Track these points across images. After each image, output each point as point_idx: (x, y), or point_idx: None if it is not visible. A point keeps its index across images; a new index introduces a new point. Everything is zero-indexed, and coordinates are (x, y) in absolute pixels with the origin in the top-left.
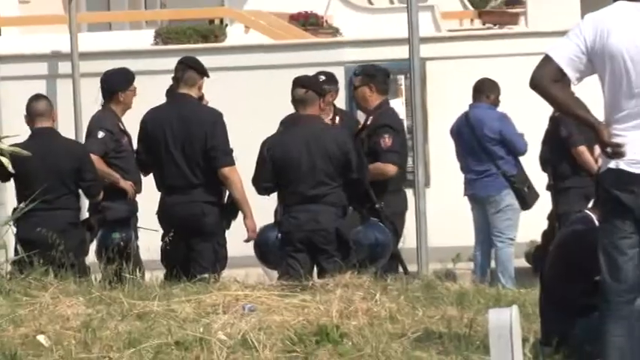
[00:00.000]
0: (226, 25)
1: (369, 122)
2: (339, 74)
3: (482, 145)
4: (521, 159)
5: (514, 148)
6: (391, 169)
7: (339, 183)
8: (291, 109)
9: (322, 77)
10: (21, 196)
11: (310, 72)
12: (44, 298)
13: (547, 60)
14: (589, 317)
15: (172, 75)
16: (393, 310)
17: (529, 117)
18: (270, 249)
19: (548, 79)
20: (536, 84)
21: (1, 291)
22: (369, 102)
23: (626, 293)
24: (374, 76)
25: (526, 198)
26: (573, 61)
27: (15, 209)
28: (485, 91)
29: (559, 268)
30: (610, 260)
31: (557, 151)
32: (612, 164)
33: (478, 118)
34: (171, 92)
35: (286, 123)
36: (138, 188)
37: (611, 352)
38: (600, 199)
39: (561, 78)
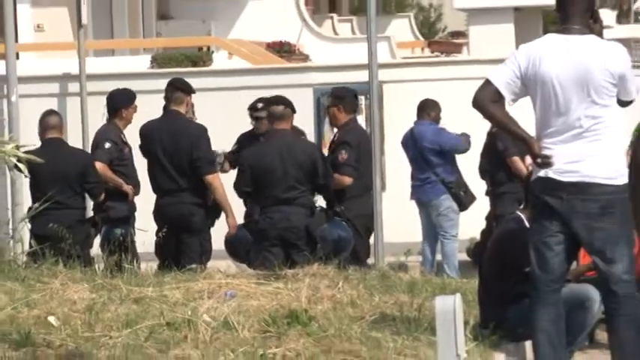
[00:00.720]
0: (212, 51)
1: (335, 138)
2: (309, 95)
3: (423, 156)
4: (463, 168)
5: (456, 150)
6: (346, 180)
7: (308, 187)
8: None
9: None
10: (35, 197)
11: (285, 92)
12: (54, 284)
13: (487, 83)
14: (521, 304)
15: (165, 95)
16: (354, 296)
17: (470, 132)
18: (238, 246)
19: (488, 100)
20: (477, 104)
21: (17, 278)
22: (338, 120)
23: (553, 283)
24: (343, 98)
25: (463, 201)
26: (509, 84)
27: (30, 208)
28: (427, 109)
29: (495, 262)
30: (539, 255)
31: (495, 161)
32: (542, 173)
33: (419, 133)
34: (166, 109)
35: (243, 140)
36: (137, 191)
37: (539, 334)
38: (531, 203)
39: (499, 99)
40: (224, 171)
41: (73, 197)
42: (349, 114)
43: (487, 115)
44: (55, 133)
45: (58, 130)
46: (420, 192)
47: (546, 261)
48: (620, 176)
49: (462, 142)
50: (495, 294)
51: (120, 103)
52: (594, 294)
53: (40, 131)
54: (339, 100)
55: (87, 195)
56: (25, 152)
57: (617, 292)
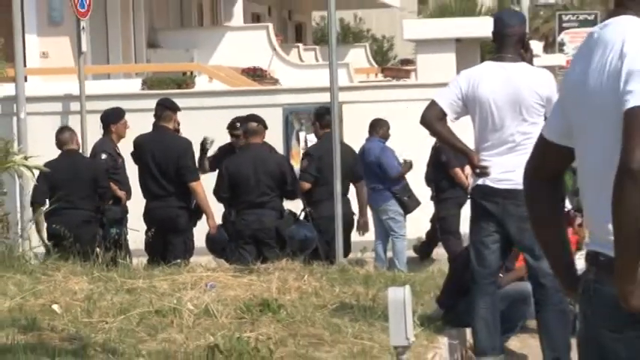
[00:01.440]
0: (195, 76)
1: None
2: (278, 114)
3: (371, 169)
4: (410, 176)
5: (386, 172)
6: (305, 185)
7: (277, 193)
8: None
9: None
10: (50, 200)
11: (257, 111)
12: (57, 277)
13: (433, 104)
14: (469, 296)
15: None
16: (317, 287)
17: (417, 146)
18: (217, 244)
19: (433, 118)
20: (424, 121)
21: (25, 272)
22: (317, 134)
23: (490, 276)
24: (321, 115)
25: (407, 205)
26: (452, 104)
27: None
28: (377, 127)
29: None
30: (478, 252)
31: (439, 171)
32: (480, 181)
33: (368, 149)
34: (155, 125)
35: (222, 150)
36: (129, 196)
37: (478, 320)
38: (471, 207)
39: (443, 117)
40: (204, 171)
41: (84, 199)
42: (324, 129)
43: (433, 131)
44: (70, 145)
45: (72, 143)
46: (372, 199)
47: (484, 257)
48: None
49: (397, 169)
50: (456, 286)
51: (109, 119)
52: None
53: (57, 144)
54: (315, 117)
55: (98, 198)
56: (47, 162)
57: (545, 284)
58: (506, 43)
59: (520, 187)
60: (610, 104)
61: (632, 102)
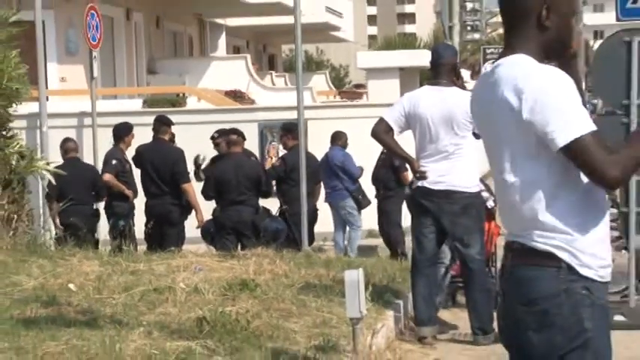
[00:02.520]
0: (186, 96)
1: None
2: (254, 128)
3: (333, 171)
4: (362, 178)
5: (351, 174)
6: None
7: (254, 193)
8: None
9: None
10: (58, 199)
11: (237, 126)
12: (73, 261)
13: (382, 120)
14: None
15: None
16: (286, 270)
17: (367, 154)
18: (208, 234)
19: (382, 131)
20: (374, 134)
21: (46, 257)
22: (287, 145)
23: (427, 261)
24: (290, 130)
25: (361, 202)
26: (397, 120)
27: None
28: (337, 138)
29: None
30: (418, 241)
31: (389, 173)
32: (420, 183)
33: (331, 155)
34: (154, 137)
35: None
36: (135, 195)
37: (417, 295)
38: (412, 205)
39: (390, 130)
40: (200, 180)
41: (86, 197)
42: (294, 140)
43: (381, 142)
44: (73, 154)
45: (75, 151)
46: (331, 197)
47: (423, 246)
48: (474, 186)
49: (357, 171)
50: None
51: (122, 132)
52: None
53: (62, 153)
54: (285, 131)
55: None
56: (55, 167)
57: (472, 268)
58: (441, 71)
59: (452, 188)
60: (510, 133)
61: (560, 140)
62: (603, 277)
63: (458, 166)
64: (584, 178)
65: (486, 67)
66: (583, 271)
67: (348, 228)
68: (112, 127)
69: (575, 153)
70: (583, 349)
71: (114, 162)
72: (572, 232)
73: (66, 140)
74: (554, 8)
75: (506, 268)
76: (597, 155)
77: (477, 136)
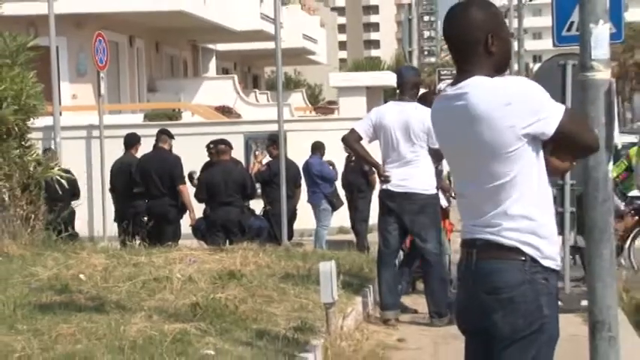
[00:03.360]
0: (181, 111)
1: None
2: (241, 139)
3: (311, 177)
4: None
5: (329, 178)
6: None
7: (240, 195)
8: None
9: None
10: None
11: (225, 137)
12: (83, 254)
13: (353, 130)
14: None
15: (155, 137)
16: (269, 262)
17: (338, 162)
18: (199, 231)
19: (353, 140)
20: (346, 142)
21: (59, 251)
22: (272, 154)
23: (391, 253)
24: (275, 141)
25: (335, 204)
26: (366, 131)
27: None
28: (316, 148)
29: None
30: (383, 237)
31: (360, 177)
32: (384, 186)
33: (311, 164)
34: (155, 146)
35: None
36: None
37: (383, 284)
38: (378, 205)
39: (360, 139)
40: (195, 185)
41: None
42: (278, 150)
43: (352, 149)
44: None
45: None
46: (312, 198)
47: (388, 241)
48: (431, 188)
49: (333, 175)
50: None
51: (132, 141)
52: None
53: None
54: (273, 142)
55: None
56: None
57: (429, 260)
58: (404, 89)
59: (412, 190)
60: (488, 140)
61: (552, 126)
62: (559, 266)
63: (416, 172)
64: (541, 176)
65: (441, 86)
66: (545, 263)
67: (315, 225)
68: (118, 138)
69: (566, 128)
70: (539, 333)
71: (133, 169)
72: (537, 224)
73: (47, 150)
74: (497, 35)
75: (470, 261)
76: (579, 123)
77: (431, 150)
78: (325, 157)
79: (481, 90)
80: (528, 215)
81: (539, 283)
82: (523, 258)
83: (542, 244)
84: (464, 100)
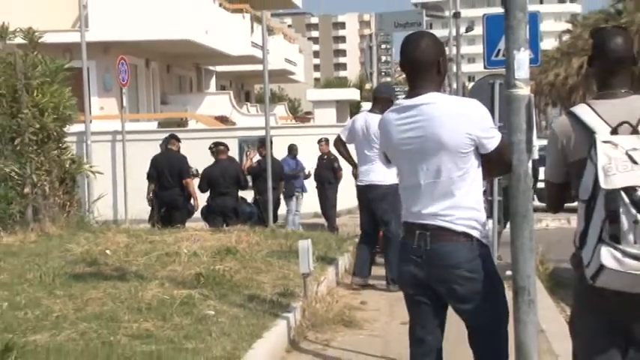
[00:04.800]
0: (188, 120)
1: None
2: (235, 142)
3: (287, 174)
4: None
5: (297, 175)
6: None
7: (235, 187)
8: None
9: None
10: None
11: (223, 140)
12: (109, 234)
13: (338, 136)
14: None
15: (165, 140)
16: (258, 240)
17: (313, 160)
18: (205, 216)
19: (339, 144)
20: (335, 146)
21: (90, 231)
22: (262, 153)
23: (367, 235)
24: (264, 143)
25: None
26: (347, 136)
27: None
28: (290, 150)
29: None
30: (361, 222)
31: (329, 172)
32: (357, 182)
33: (285, 161)
34: (165, 147)
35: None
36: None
37: (359, 258)
38: (357, 197)
39: (343, 142)
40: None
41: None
42: (266, 150)
43: (338, 151)
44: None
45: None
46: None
47: (364, 225)
48: (388, 180)
49: (305, 173)
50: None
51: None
52: None
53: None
54: (262, 144)
55: None
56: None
57: (390, 237)
58: (376, 102)
59: (373, 182)
60: (447, 144)
61: (493, 144)
62: (489, 242)
63: (376, 167)
64: (480, 176)
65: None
66: (484, 241)
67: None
68: (137, 141)
69: (500, 150)
70: (498, 291)
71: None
72: (480, 213)
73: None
74: (444, 60)
75: (423, 242)
76: (507, 150)
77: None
78: (305, 157)
79: (445, 102)
80: (474, 206)
81: (484, 256)
82: (471, 240)
83: (482, 228)
84: (426, 109)
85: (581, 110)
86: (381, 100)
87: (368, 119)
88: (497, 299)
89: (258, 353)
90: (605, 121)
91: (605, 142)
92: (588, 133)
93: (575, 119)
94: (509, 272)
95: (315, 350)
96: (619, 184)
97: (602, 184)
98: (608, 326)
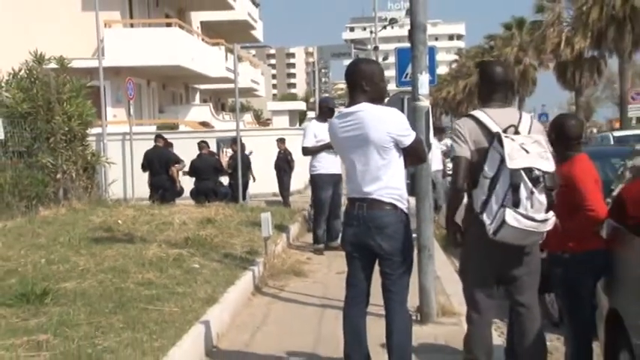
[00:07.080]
0: (178, 124)
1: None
2: (214, 141)
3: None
4: (267, 166)
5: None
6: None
7: (214, 174)
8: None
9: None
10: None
11: (206, 139)
12: (120, 209)
13: (305, 147)
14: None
15: (154, 139)
16: (231, 213)
17: (271, 155)
18: (193, 196)
19: (307, 150)
20: (304, 151)
21: (106, 207)
22: (234, 150)
23: (328, 211)
24: (235, 142)
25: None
26: (312, 140)
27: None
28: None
29: None
30: (323, 201)
31: (285, 163)
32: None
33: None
34: (155, 144)
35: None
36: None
37: (319, 229)
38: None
39: (310, 144)
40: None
41: None
42: (236, 147)
43: (311, 154)
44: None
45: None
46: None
47: (324, 203)
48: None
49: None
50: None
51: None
52: None
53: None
54: (234, 142)
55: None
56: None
57: (337, 211)
58: (322, 112)
59: (329, 172)
60: (379, 140)
61: (409, 140)
62: (409, 212)
63: (333, 161)
64: (402, 164)
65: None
66: (406, 211)
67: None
68: (141, 140)
69: (414, 145)
70: (410, 250)
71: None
72: (402, 191)
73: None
74: (371, 81)
75: (361, 211)
76: (423, 146)
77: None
78: (264, 154)
79: (372, 110)
80: (398, 186)
81: (406, 223)
82: (396, 210)
83: (404, 201)
84: (360, 115)
85: (480, 114)
86: (324, 110)
87: (321, 126)
88: (409, 254)
89: (232, 296)
90: (496, 123)
91: (506, 137)
92: (487, 131)
93: (476, 120)
94: (414, 235)
95: (273, 293)
96: (520, 165)
97: (509, 165)
98: (491, 268)
